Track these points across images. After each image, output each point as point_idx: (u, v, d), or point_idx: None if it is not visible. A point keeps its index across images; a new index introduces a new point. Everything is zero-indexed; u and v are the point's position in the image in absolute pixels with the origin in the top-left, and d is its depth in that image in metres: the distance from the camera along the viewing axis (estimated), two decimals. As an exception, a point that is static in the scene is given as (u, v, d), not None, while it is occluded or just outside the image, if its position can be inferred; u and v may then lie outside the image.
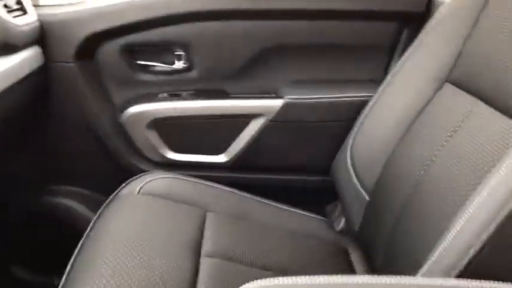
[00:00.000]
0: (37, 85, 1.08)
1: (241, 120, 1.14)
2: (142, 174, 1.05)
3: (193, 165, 1.19)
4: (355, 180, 0.95)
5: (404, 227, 0.75)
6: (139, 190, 0.96)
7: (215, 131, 1.15)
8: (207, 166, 1.19)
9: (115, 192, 0.99)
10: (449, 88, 0.81)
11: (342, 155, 1.01)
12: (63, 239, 1.23)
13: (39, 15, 1.05)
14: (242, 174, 1.20)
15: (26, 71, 0.99)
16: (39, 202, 1.23)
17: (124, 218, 0.87)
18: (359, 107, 1.05)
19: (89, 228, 0.87)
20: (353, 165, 0.97)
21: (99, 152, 1.19)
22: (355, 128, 1.00)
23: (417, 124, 0.83)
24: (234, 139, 1.16)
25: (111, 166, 1.20)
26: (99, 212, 0.93)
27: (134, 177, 1.03)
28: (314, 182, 1.21)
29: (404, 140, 0.85)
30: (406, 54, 0.94)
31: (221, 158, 1.18)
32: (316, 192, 1.22)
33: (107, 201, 0.96)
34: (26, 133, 1.16)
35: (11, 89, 0.93)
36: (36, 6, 1.07)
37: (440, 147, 0.73)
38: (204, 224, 0.91)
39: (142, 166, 1.19)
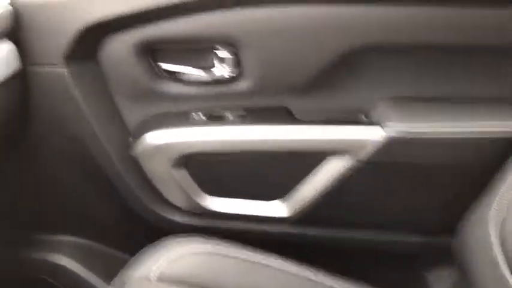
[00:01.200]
0: (10, 99, 0.73)
1: (313, 158, 0.75)
2: (162, 239, 0.70)
3: (240, 218, 0.82)
4: (506, 273, 0.57)
5: None
6: (159, 274, 0.62)
7: (273, 172, 0.78)
8: (261, 219, 0.82)
9: (120, 273, 0.65)
10: None
11: (479, 223, 0.63)
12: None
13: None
14: (309, 231, 0.83)
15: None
16: (16, 257, 0.89)
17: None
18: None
19: None
20: (504, 246, 0.58)
21: (102, 191, 0.84)
22: (506, 183, 0.61)
23: None
24: (299, 183, 0.78)
25: (121, 212, 0.85)
26: None
27: (149, 247, 0.69)
28: (416, 243, 0.83)
29: None
30: None
31: (280, 210, 0.81)
32: (415, 254, 0.86)
33: None
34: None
35: None
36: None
37: None
38: None
39: (166, 214, 0.84)
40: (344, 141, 0.73)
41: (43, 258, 0.90)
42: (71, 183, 0.84)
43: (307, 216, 0.80)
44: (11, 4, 0.69)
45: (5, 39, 0.69)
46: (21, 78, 0.73)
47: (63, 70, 0.72)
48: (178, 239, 0.70)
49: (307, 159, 0.76)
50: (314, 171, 0.77)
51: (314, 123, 0.76)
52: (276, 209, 0.81)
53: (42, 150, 0.81)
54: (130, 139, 0.79)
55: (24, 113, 0.76)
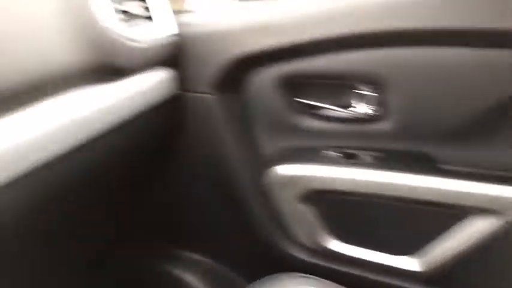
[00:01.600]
0: (163, 120, 0.80)
1: (455, 213, 0.68)
2: (280, 274, 0.69)
3: (363, 264, 0.77)
4: None
5: None
6: None
7: (407, 222, 0.72)
8: (388, 270, 0.76)
9: None
10: None
11: None
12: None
13: (177, 26, 0.77)
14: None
15: (147, 101, 0.71)
16: (147, 267, 0.95)
17: None
18: None
19: None
20: None
21: (232, 214, 0.86)
22: None
23: None
24: (436, 238, 0.71)
25: (245, 237, 0.86)
26: None
27: (266, 279, 0.68)
28: None
29: None
30: None
31: (411, 264, 0.74)
32: None
33: None
34: (144, 177, 0.89)
35: (128, 123, 0.66)
36: (176, 12, 0.78)
37: None
38: None
39: (287, 247, 0.83)
40: (493, 199, 0.65)
41: (169, 271, 0.95)
42: (205, 203, 0.89)
43: (439, 276, 0.72)
44: (176, 34, 0.77)
45: (166, 65, 0.77)
46: (175, 102, 0.79)
47: (211, 97, 0.77)
48: (296, 276, 0.69)
49: (447, 214, 0.69)
50: (454, 227, 0.69)
51: (459, 175, 0.69)
52: (406, 262, 0.74)
53: (183, 169, 0.86)
54: (263, 168, 0.81)
55: (172, 133, 0.83)
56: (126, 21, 0.65)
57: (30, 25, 0.53)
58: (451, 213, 0.69)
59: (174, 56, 0.77)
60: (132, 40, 0.64)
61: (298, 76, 0.75)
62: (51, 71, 0.55)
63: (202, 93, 0.78)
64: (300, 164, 0.76)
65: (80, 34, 0.58)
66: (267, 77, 0.76)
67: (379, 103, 0.73)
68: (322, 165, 0.74)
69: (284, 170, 0.76)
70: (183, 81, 0.79)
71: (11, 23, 0.51)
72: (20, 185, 0.51)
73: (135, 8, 0.68)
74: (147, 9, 0.71)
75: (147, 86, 0.71)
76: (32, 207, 0.57)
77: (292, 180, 0.76)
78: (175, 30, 0.76)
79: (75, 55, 0.58)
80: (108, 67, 0.63)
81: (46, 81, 0.55)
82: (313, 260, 0.81)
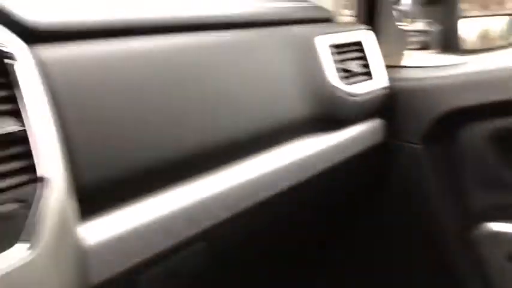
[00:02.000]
0: (370, 165, 0.85)
1: None
2: None
3: None
4: None
5: None
6: None
7: None
8: None
9: None
10: None
11: None
12: None
13: (390, 80, 0.82)
14: None
15: (358, 148, 0.78)
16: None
17: None
18: None
19: None
20: None
21: (436, 267, 0.85)
22: None
23: None
24: None
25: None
26: None
27: None
28: None
29: None
30: None
31: None
32: None
33: None
34: (346, 220, 0.94)
35: (340, 167, 0.73)
36: (390, 67, 0.83)
37: None
38: None
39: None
40: None
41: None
42: (403, 250, 0.90)
43: None
44: (388, 87, 0.82)
45: (377, 116, 0.83)
46: (384, 150, 0.84)
47: (419, 147, 0.80)
48: None
49: None
50: None
51: None
52: None
53: (386, 214, 0.89)
54: (471, 223, 0.79)
55: (378, 180, 0.88)
56: (346, 78, 0.74)
57: (274, 85, 0.65)
58: None
59: (386, 107, 0.83)
60: (352, 95, 0.72)
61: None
62: (284, 121, 0.66)
63: (410, 143, 0.81)
64: (510, 222, 0.73)
65: (309, 91, 0.68)
66: (479, 131, 0.75)
67: None
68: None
69: (495, 227, 0.74)
70: (392, 130, 0.83)
71: (259, 84, 0.62)
72: (247, 216, 0.60)
73: (354, 66, 0.77)
74: (363, 66, 0.79)
75: (360, 134, 0.78)
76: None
77: (503, 238, 0.73)
78: (387, 83, 0.82)
79: (304, 109, 0.68)
80: (329, 118, 0.72)
81: (279, 130, 0.66)
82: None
